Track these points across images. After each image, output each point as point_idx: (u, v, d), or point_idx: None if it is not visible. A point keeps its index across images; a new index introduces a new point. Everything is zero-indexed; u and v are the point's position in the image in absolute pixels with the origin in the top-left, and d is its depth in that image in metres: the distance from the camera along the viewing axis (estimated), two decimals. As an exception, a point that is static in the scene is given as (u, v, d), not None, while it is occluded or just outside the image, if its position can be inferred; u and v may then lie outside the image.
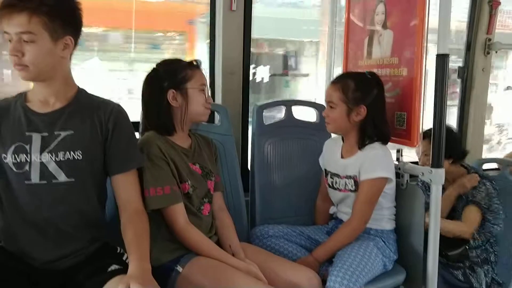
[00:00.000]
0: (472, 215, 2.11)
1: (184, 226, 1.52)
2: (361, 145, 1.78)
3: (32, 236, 1.34)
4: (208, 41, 2.28)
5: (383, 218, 1.82)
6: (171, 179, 1.53)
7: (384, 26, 1.96)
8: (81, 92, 1.44)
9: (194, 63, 1.63)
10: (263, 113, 2.08)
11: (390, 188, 1.80)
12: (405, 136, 1.86)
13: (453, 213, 2.18)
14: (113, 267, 1.32)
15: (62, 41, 1.32)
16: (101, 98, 1.48)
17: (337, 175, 1.86)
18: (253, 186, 2.04)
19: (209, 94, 1.68)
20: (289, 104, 2.15)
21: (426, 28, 1.76)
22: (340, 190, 1.86)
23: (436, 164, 1.65)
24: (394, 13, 1.92)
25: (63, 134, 1.35)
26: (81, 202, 1.38)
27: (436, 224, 1.68)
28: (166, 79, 1.57)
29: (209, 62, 2.28)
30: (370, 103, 1.75)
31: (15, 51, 1.26)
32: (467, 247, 2.13)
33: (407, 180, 1.84)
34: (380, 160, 1.75)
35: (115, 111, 1.43)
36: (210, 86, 2.28)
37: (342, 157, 1.86)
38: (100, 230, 1.46)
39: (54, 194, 1.34)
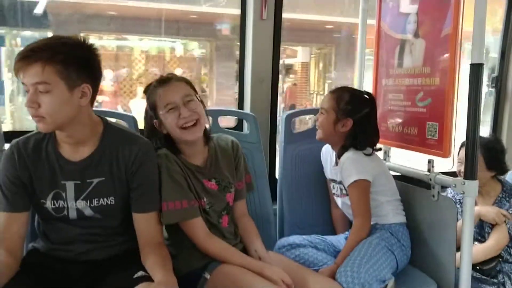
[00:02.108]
0: (501, 234, 2.05)
1: (204, 239, 1.52)
2: (340, 154, 1.86)
3: (68, 243, 1.43)
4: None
5: (388, 213, 1.85)
6: (189, 194, 1.53)
7: (416, 35, 1.94)
8: (108, 130, 1.43)
9: (155, 83, 1.56)
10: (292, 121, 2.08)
11: (382, 184, 1.85)
12: (436, 146, 1.82)
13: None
14: (140, 273, 1.34)
15: (79, 89, 1.30)
16: (129, 132, 1.49)
17: (334, 181, 1.94)
18: (281, 195, 2.04)
19: (190, 108, 1.52)
20: (317, 112, 2.13)
21: (459, 37, 1.73)
22: (338, 196, 1.93)
23: (469, 175, 1.61)
24: (426, 22, 1.89)
25: (95, 181, 1.39)
26: (118, 226, 1.46)
27: (469, 238, 1.64)
28: (150, 110, 1.57)
29: (239, 69, 2.30)
30: (358, 119, 1.82)
31: (31, 103, 1.25)
32: (501, 260, 2.07)
33: (438, 192, 1.80)
34: (352, 165, 1.80)
35: (141, 153, 1.42)
36: (239, 93, 2.30)
37: (336, 164, 1.92)
38: (131, 237, 1.48)
39: (88, 226, 1.42)
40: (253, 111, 2.19)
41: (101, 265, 1.42)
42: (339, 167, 1.84)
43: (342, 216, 2.02)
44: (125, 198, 1.43)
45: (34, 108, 1.26)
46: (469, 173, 1.61)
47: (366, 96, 1.89)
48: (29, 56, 1.24)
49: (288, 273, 1.52)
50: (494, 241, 2.06)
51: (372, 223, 1.82)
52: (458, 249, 1.70)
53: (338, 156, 1.87)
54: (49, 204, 1.38)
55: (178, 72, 7.15)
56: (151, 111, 1.56)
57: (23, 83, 1.27)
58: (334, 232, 2.04)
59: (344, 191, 1.88)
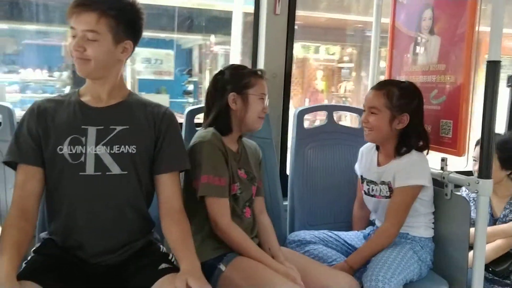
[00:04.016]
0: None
1: (228, 223, 1.53)
2: (398, 153, 1.77)
3: (82, 228, 1.37)
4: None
5: (421, 226, 1.80)
6: (227, 174, 1.57)
7: (431, 31, 1.92)
8: (132, 94, 1.49)
9: (259, 72, 1.67)
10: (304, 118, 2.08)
11: (427, 195, 1.78)
12: (450, 145, 1.81)
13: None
14: (163, 265, 1.35)
15: (122, 44, 1.38)
16: (150, 100, 1.52)
17: (373, 183, 1.85)
18: (292, 191, 2.03)
19: (267, 105, 1.70)
20: (330, 109, 2.13)
21: (476, 34, 1.71)
22: (375, 196, 1.85)
23: (484, 174, 1.59)
24: (442, 18, 1.87)
25: (118, 128, 1.39)
26: (132, 196, 1.41)
27: (482, 238, 1.62)
28: (231, 82, 1.62)
29: (251, 64, 2.30)
30: (413, 111, 1.74)
31: (78, 46, 1.31)
32: None
33: (451, 190, 1.78)
34: (416, 168, 1.73)
35: (168, 113, 1.48)
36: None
37: (378, 165, 1.85)
38: (147, 225, 1.49)
39: (107, 186, 1.37)
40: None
41: (120, 264, 1.40)
42: (394, 166, 1.76)
43: (364, 216, 2.01)
44: (147, 155, 1.42)
45: (80, 52, 1.32)
46: (484, 171, 1.60)
47: (410, 85, 1.80)
48: (87, 5, 1.30)
49: (300, 268, 1.54)
50: (505, 239, 2.03)
51: (402, 231, 1.77)
52: (470, 248, 1.69)
53: (395, 155, 1.77)
54: (66, 149, 1.35)
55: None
56: (235, 85, 1.62)
57: (71, 27, 1.33)
58: (346, 229, 2.02)
59: (386, 193, 1.79)
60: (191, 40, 7.16)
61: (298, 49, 7.67)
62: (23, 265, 1.32)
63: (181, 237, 1.37)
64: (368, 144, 1.95)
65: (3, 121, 1.72)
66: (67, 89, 5.64)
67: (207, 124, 1.65)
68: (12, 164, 1.38)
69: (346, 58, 7.51)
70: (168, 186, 1.44)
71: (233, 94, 1.61)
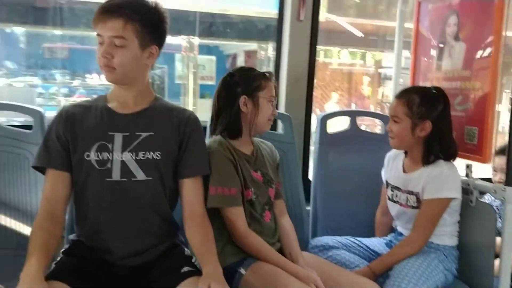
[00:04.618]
0: None
1: (244, 231, 1.54)
2: (426, 161, 1.74)
3: (109, 231, 1.40)
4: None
5: (446, 234, 1.77)
6: (237, 182, 1.57)
7: (456, 38, 1.91)
8: (158, 99, 1.51)
9: (267, 74, 1.67)
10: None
11: (455, 205, 1.75)
12: (475, 151, 1.79)
13: None
14: (186, 268, 1.36)
15: (148, 49, 1.39)
16: (176, 104, 1.54)
17: (398, 189, 1.83)
18: (315, 196, 2.04)
19: (275, 107, 1.70)
20: (354, 114, 2.13)
21: (502, 40, 1.70)
22: (400, 204, 1.82)
23: (511, 181, 1.58)
24: (468, 24, 1.86)
25: (144, 134, 1.41)
26: (156, 200, 1.43)
27: (509, 246, 1.60)
28: (241, 85, 1.62)
29: (274, 69, 2.31)
30: (436, 118, 1.71)
31: (106, 53, 1.33)
32: None
33: (476, 197, 1.77)
34: (446, 179, 1.70)
35: (193, 117, 1.49)
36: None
37: (404, 171, 1.83)
38: (171, 228, 1.51)
39: (132, 192, 1.39)
40: (288, 111, 2.19)
41: (145, 265, 1.42)
42: (423, 175, 1.73)
43: (386, 222, 1.99)
44: (172, 160, 1.44)
45: (108, 59, 1.34)
46: (511, 179, 1.58)
47: (435, 91, 1.76)
48: (113, 11, 1.32)
49: (322, 273, 1.53)
50: None
51: None
52: (496, 256, 1.67)
53: (423, 163, 1.75)
54: (93, 155, 1.38)
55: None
56: (246, 88, 1.61)
57: (98, 34, 1.34)
58: (369, 235, 2.01)
59: (413, 203, 1.77)
60: (235, 46, 7.31)
61: (344, 55, 7.78)
62: (52, 265, 1.35)
63: (203, 241, 1.39)
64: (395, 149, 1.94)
65: (35, 125, 1.76)
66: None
67: (216, 129, 1.65)
68: (40, 169, 1.42)
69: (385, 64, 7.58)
70: (191, 190, 1.46)
71: (244, 97, 1.61)
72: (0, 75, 6.49)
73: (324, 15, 6.21)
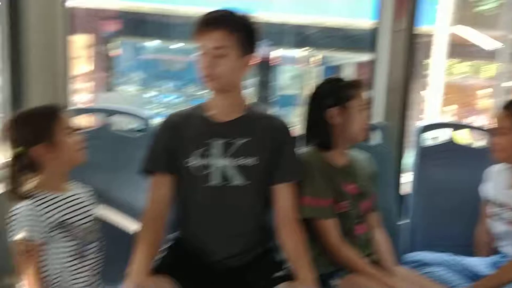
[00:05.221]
0: None
1: (337, 242, 1.53)
2: None
3: (207, 233, 1.47)
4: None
5: None
6: (330, 194, 1.56)
7: None
8: (251, 106, 1.56)
9: (356, 82, 1.65)
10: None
11: None
12: None
13: None
14: (279, 273, 1.39)
15: (246, 58, 1.45)
16: (268, 112, 1.59)
17: (504, 206, 1.73)
18: (411, 210, 1.98)
19: (368, 114, 1.68)
20: (454, 126, 2.03)
21: None
22: (506, 222, 1.72)
23: None
24: None
25: (240, 141, 1.47)
26: (252, 205, 1.49)
27: None
28: (329, 97, 1.61)
29: (371, 78, 2.28)
30: None
31: (208, 64, 1.40)
32: None
33: None
34: None
35: (285, 125, 1.53)
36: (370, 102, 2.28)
37: (511, 187, 1.72)
38: (266, 233, 1.54)
39: (230, 197, 1.46)
40: (384, 121, 2.14)
41: (240, 268, 1.47)
42: None
43: (487, 242, 1.88)
44: (268, 165, 1.47)
45: (210, 69, 1.41)
46: None
47: None
48: (214, 23, 1.39)
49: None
50: None
51: None
52: None
53: None
54: (194, 162, 1.45)
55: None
56: (335, 100, 1.60)
57: (199, 46, 1.42)
58: (466, 253, 1.89)
59: None
60: (342, 57, 7.41)
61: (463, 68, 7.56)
62: (156, 261, 1.43)
63: (297, 247, 1.41)
64: (500, 164, 1.82)
65: (144, 129, 1.90)
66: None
67: (309, 140, 1.65)
68: (147, 172, 1.52)
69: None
70: (284, 196, 1.48)
71: (334, 109, 1.59)
72: (128, 83, 7.26)
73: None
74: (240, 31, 1.41)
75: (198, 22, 1.41)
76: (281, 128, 1.52)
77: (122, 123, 2.03)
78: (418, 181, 1.97)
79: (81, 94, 6.20)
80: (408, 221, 2.00)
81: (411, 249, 1.93)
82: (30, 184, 1.33)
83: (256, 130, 1.49)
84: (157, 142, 1.52)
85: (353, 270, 1.51)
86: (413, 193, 1.99)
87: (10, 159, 1.32)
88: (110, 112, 1.93)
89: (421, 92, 6.50)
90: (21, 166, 1.31)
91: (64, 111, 1.40)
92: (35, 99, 1.83)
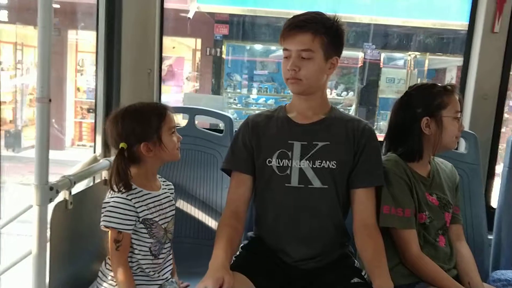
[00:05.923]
0: None
1: (417, 254, 1.48)
2: None
3: (285, 233, 1.48)
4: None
5: None
6: (412, 204, 1.51)
7: None
8: (334, 109, 1.55)
9: (449, 88, 1.57)
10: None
11: None
12: None
13: None
14: (356, 279, 1.38)
15: (330, 60, 1.45)
16: (352, 115, 1.57)
17: None
18: (499, 225, 1.85)
19: (462, 122, 1.60)
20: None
21: None
22: None
23: None
24: None
25: (320, 144, 1.47)
26: (330, 208, 1.48)
27: None
28: (421, 106, 1.55)
29: (460, 84, 2.17)
30: None
31: (294, 66, 1.41)
32: None
33: None
34: None
35: (368, 128, 1.51)
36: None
37: None
38: (343, 237, 1.53)
39: (308, 198, 1.46)
40: (473, 129, 2.03)
41: (317, 270, 1.47)
42: None
43: None
44: (346, 170, 1.47)
45: (295, 71, 1.41)
46: None
47: None
48: (301, 26, 1.40)
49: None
50: None
51: None
52: None
53: None
54: (274, 162, 1.47)
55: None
56: (427, 108, 1.55)
57: (285, 49, 1.44)
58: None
59: None
60: (445, 60, 7.22)
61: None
62: (233, 258, 1.47)
63: (375, 253, 1.38)
64: None
65: (225, 129, 1.96)
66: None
67: (392, 147, 1.61)
68: (227, 171, 1.57)
69: None
70: (363, 201, 1.46)
71: (426, 119, 1.53)
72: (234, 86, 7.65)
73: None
74: (326, 34, 1.41)
75: (286, 25, 1.43)
76: (364, 132, 1.49)
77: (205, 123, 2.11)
78: (505, 194, 1.84)
79: (166, 94, 6.54)
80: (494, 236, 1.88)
81: (496, 267, 1.82)
82: (127, 177, 1.40)
83: (336, 134, 1.48)
84: (237, 142, 1.55)
85: (433, 284, 1.46)
86: (498, 206, 1.86)
87: (116, 152, 1.41)
88: (196, 112, 2.01)
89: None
90: (123, 159, 1.40)
91: (171, 111, 1.48)
92: (127, 97, 1.96)
